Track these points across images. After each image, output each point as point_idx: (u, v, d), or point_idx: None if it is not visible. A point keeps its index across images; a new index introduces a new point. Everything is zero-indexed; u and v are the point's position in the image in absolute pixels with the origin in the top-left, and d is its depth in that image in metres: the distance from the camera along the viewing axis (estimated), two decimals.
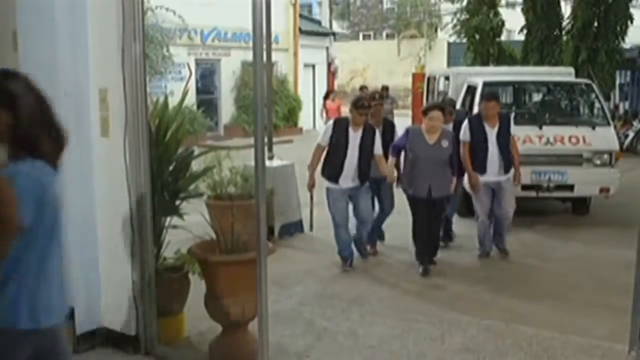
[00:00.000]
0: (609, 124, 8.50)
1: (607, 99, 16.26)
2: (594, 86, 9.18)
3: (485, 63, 17.21)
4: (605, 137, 8.14)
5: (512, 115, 7.89)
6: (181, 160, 4.68)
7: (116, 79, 4.00)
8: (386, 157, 6.17)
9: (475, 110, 8.03)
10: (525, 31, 17.32)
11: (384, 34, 43.54)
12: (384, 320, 4.95)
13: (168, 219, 4.57)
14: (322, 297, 5.50)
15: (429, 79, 12.98)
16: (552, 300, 5.49)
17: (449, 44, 27.49)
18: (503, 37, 18.78)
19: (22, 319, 2.23)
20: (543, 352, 4.40)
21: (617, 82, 18.69)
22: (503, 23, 17.90)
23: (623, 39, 16.24)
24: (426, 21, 38.22)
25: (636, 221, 3.96)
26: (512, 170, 6.61)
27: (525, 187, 7.52)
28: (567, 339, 4.59)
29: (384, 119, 6.76)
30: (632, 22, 16.21)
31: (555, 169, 7.91)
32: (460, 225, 7.29)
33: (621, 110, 19.03)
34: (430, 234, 6.16)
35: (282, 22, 21.05)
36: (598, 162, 7.98)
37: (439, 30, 35.70)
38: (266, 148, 4.88)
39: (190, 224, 4.49)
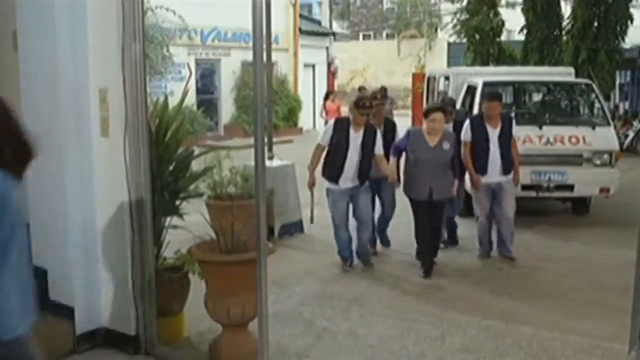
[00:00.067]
0: (609, 124, 8.50)
1: (607, 99, 16.27)
2: (594, 86, 9.18)
3: (485, 63, 17.22)
4: (605, 137, 8.14)
5: (512, 115, 7.89)
6: (181, 160, 4.68)
7: (116, 79, 3.99)
8: (387, 158, 6.16)
9: (476, 110, 8.05)
10: (525, 31, 17.33)
11: (384, 34, 43.56)
12: (384, 320, 4.95)
13: (168, 219, 4.57)
14: (322, 297, 5.50)
15: (429, 79, 12.98)
16: (552, 300, 5.49)
17: (449, 44, 27.51)
18: (503, 37, 18.79)
19: None
20: (543, 352, 4.40)
21: (617, 82, 18.69)
22: (503, 23, 17.90)
23: (623, 39, 16.24)
24: (426, 21, 38.24)
25: (636, 221, 3.96)
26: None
27: (525, 187, 7.52)
28: (567, 339, 4.59)
29: (385, 119, 6.74)
30: (632, 22, 16.22)
31: (555, 169, 7.91)
32: (460, 226, 7.28)
33: (621, 110, 19.04)
34: (431, 234, 6.16)
35: (282, 22, 21.05)
36: (598, 162, 7.98)
37: (439, 30, 35.73)
38: (266, 148, 4.88)
39: (190, 224, 4.50)
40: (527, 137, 7.81)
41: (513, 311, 5.19)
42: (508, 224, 6.54)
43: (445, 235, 6.90)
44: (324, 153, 6.09)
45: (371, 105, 6.07)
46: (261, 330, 3.56)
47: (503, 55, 17.70)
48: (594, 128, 8.17)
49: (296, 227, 7.61)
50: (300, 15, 23.58)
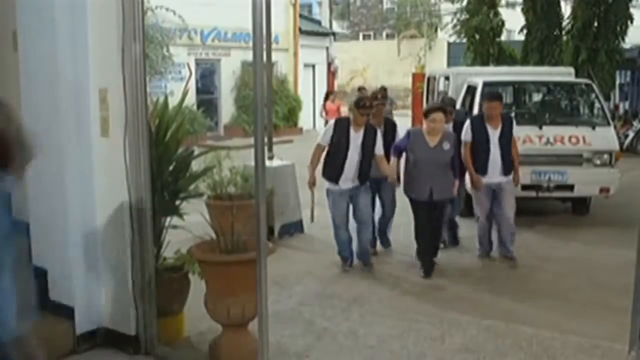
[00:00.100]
0: (609, 124, 8.50)
1: (607, 99, 16.27)
2: (594, 86, 9.18)
3: (485, 63, 17.22)
4: (605, 137, 8.14)
5: (512, 116, 7.89)
6: (181, 160, 4.68)
7: (116, 79, 3.99)
8: (387, 158, 6.16)
9: (476, 110, 8.05)
10: (525, 31, 17.33)
11: (384, 34, 43.56)
12: (384, 320, 4.95)
13: (168, 219, 4.57)
14: (322, 297, 5.50)
15: (429, 79, 12.98)
16: (552, 300, 5.49)
17: (449, 44, 27.51)
18: (503, 37, 18.80)
19: None
20: (543, 352, 4.40)
21: (617, 82, 18.70)
22: (503, 23, 17.91)
23: (623, 39, 16.25)
24: (426, 21, 38.25)
25: (636, 221, 3.96)
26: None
27: (525, 187, 7.52)
28: (567, 339, 4.59)
29: (385, 119, 6.74)
30: (632, 22, 16.22)
31: (555, 169, 7.91)
32: (460, 226, 7.29)
33: (621, 110, 19.05)
34: (431, 234, 6.16)
35: (282, 22, 21.06)
36: (598, 162, 7.99)
37: (439, 30, 35.73)
38: (266, 148, 4.88)
39: (190, 224, 4.50)
40: (527, 137, 7.81)
41: (513, 311, 5.19)
42: (508, 224, 6.53)
43: (446, 235, 6.90)
44: (324, 153, 6.09)
45: (371, 105, 6.07)
46: (261, 330, 3.56)
47: (503, 55, 17.71)
48: (594, 128, 8.17)
49: (296, 227, 7.61)
50: (300, 15, 23.58)
